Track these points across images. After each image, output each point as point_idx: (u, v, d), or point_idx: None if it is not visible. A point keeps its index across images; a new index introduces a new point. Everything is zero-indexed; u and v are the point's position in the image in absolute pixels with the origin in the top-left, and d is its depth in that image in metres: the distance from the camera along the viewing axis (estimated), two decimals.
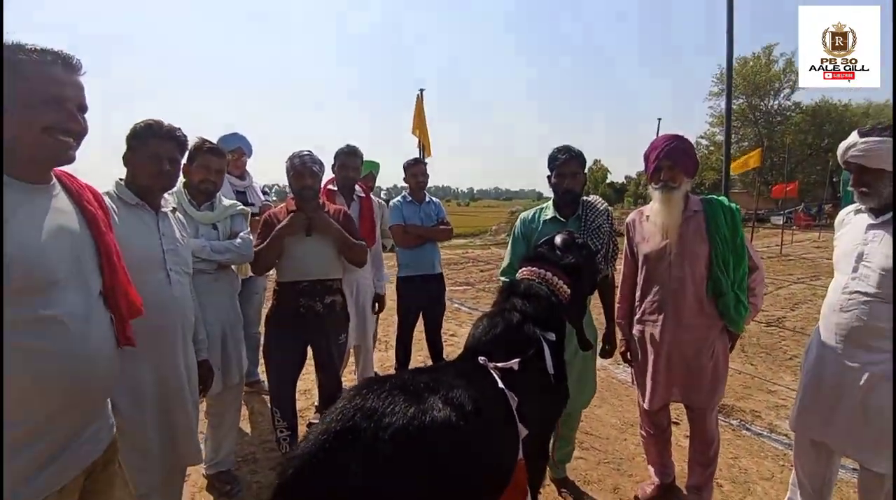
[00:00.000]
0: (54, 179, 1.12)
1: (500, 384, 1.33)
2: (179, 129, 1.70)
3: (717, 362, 2.05)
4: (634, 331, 2.23)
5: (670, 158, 1.98)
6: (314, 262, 2.40)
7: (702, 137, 35.96)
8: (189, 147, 2.19)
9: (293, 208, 2.41)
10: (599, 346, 2.37)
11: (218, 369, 2.15)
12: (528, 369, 1.47)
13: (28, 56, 0.99)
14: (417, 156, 7.00)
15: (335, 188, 2.88)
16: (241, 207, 2.39)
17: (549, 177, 2.25)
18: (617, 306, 2.35)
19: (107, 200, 1.54)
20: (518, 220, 2.37)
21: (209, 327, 2.10)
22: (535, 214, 2.32)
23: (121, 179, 1.66)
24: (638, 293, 2.21)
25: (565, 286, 1.74)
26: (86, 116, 1.09)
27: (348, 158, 2.85)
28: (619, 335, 2.34)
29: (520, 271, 1.81)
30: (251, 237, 2.30)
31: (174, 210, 1.80)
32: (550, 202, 2.29)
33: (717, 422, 2.19)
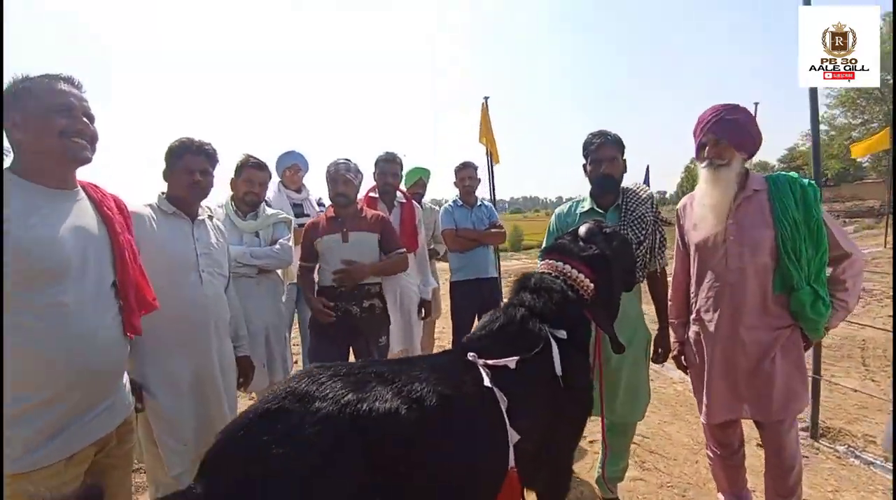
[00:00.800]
0: (79, 188, 1.28)
1: (487, 382, 1.23)
2: (209, 143, 1.85)
3: (790, 368, 1.72)
4: (690, 332, 1.97)
5: (716, 132, 1.73)
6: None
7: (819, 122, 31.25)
8: (237, 163, 2.41)
9: (332, 215, 2.51)
10: (652, 349, 2.13)
11: (263, 366, 2.29)
12: (531, 370, 1.35)
13: (34, 81, 1.17)
14: (487, 164, 6.98)
15: (376, 195, 2.96)
16: (284, 215, 2.54)
17: (584, 166, 2.09)
18: (669, 303, 2.09)
19: (148, 210, 1.74)
20: (553, 215, 2.23)
21: (252, 327, 2.25)
22: (570, 207, 2.17)
23: (163, 193, 1.85)
24: (692, 288, 1.95)
25: (587, 280, 1.59)
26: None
27: (387, 164, 2.92)
28: (672, 338, 2.08)
29: (539, 264, 1.69)
30: (290, 244, 2.44)
31: (210, 217, 1.96)
32: (588, 194, 2.12)
33: (798, 442, 1.83)
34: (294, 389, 0.98)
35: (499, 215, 3.75)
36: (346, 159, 2.52)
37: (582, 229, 1.72)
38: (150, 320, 1.68)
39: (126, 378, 1.40)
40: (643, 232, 1.96)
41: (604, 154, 2.00)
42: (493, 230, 3.40)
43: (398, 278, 2.82)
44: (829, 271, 1.72)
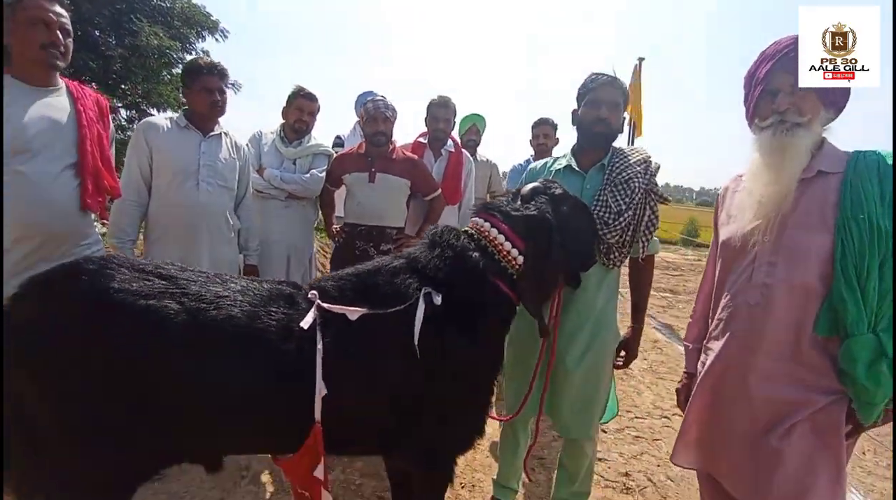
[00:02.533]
0: (62, 86, 1.56)
1: (307, 323, 1.10)
2: (220, 63, 2.03)
3: (815, 453, 1.11)
4: (699, 364, 1.44)
5: (795, 71, 1.14)
6: (372, 207, 2.46)
7: None
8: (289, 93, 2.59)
9: (362, 152, 2.52)
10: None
11: None
12: (381, 329, 1.17)
13: None
14: (627, 136, 6.10)
15: (425, 141, 2.84)
16: (325, 148, 2.64)
17: (574, 111, 1.64)
18: (689, 321, 1.55)
19: (166, 122, 2.02)
20: (525, 172, 1.83)
21: (274, 246, 2.47)
22: (545, 163, 1.76)
23: (185, 108, 2.10)
24: (713, 304, 1.40)
25: (511, 246, 1.28)
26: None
27: (438, 109, 2.73)
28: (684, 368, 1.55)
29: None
30: (322, 176, 2.54)
31: (226, 134, 2.15)
32: (570, 150, 1.68)
33: None
34: (73, 264, 1.05)
35: None
36: (383, 97, 2.47)
37: (526, 188, 1.37)
38: (154, 213, 2.00)
39: (98, 247, 1.67)
40: (626, 200, 1.49)
41: (606, 95, 1.54)
42: None
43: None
44: None
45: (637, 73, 5.85)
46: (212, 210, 2.05)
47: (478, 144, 3.31)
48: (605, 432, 2.70)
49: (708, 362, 1.30)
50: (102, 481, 1.05)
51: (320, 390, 1.09)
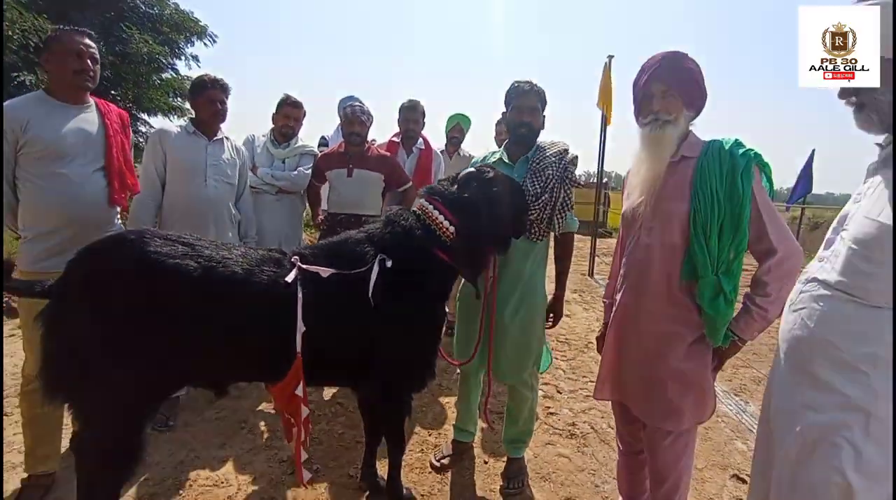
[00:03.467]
0: (92, 103, 1.90)
1: (290, 278, 1.46)
2: (222, 79, 2.39)
3: (687, 371, 1.48)
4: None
5: (665, 81, 1.46)
6: (351, 197, 2.83)
7: None
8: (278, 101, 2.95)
9: (342, 151, 2.89)
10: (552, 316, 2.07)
11: None
12: (345, 285, 1.53)
13: (62, 31, 1.80)
14: (600, 125, 6.51)
15: (398, 140, 3.22)
16: (310, 148, 3.00)
17: (503, 114, 2.02)
18: (608, 281, 1.93)
19: (176, 128, 2.38)
20: (469, 163, 2.21)
21: (267, 236, 2.82)
22: (485, 156, 2.15)
23: (191, 117, 2.47)
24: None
25: (445, 222, 1.66)
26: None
27: (409, 111, 3.13)
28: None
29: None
30: (308, 173, 2.89)
31: (227, 138, 2.52)
32: (503, 146, 2.06)
33: (681, 458, 1.56)
34: (118, 235, 1.41)
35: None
36: (360, 103, 2.84)
37: (461, 174, 1.74)
38: (168, 205, 2.36)
39: (119, 229, 2.00)
40: (542, 184, 1.85)
41: (526, 102, 1.91)
42: None
43: None
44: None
45: (607, 70, 6.28)
46: (217, 203, 2.41)
47: (461, 142, 3.71)
48: (560, 392, 3.10)
49: (614, 311, 1.67)
50: (137, 393, 1.38)
51: (300, 328, 1.44)
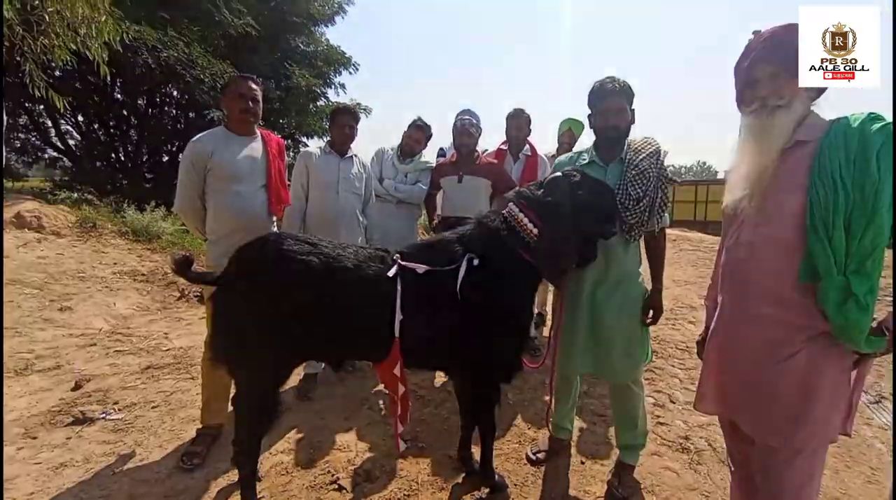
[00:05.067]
0: (258, 134, 2.42)
1: (391, 273, 1.70)
2: (355, 107, 2.84)
3: (807, 382, 1.29)
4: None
5: (772, 61, 1.29)
6: (461, 201, 3.07)
7: None
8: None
9: (454, 160, 3.14)
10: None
11: None
12: (438, 280, 1.72)
13: (233, 77, 2.32)
14: None
15: (506, 148, 3.35)
16: (430, 164, 3.32)
17: (589, 116, 1.98)
18: (710, 283, 1.81)
19: (317, 150, 2.88)
20: (553, 165, 2.20)
21: (386, 238, 3.20)
22: (571, 158, 2.08)
23: (329, 140, 2.95)
24: None
25: (529, 224, 1.75)
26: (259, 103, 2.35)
27: (513, 120, 3.24)
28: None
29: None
30: (424, 188, 3.22)
31: (356, 156, 2.96)
32: (592, 145, 2.01)
33: (803, 484, 1.35)
34: (264, 237, 1.78)
35: None
36: (469, 116, 3.05)
37: (548, 177, 1.81)
38: (309, 214, 2.86)
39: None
40: (643, 188, 1.79)
41: (610, 105, 1.86)
42: None
43: None
44: None
45: None
46: (347, 211, 2.86)
47: (572, 146, 3.70)
48: (674, 402, 2.90)
49: (715, 315, 1.54)
50: (279, 362, 1.76)
51: (398, 316, 1.68)
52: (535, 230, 1.75)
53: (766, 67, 1.33)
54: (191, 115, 9.39)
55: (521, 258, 1.76)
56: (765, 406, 1.37)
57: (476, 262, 1.73)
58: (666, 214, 1.91)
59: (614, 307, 1.94)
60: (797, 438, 1.32)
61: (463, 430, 2.14)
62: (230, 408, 2.05)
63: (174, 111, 9.86)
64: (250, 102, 2.31)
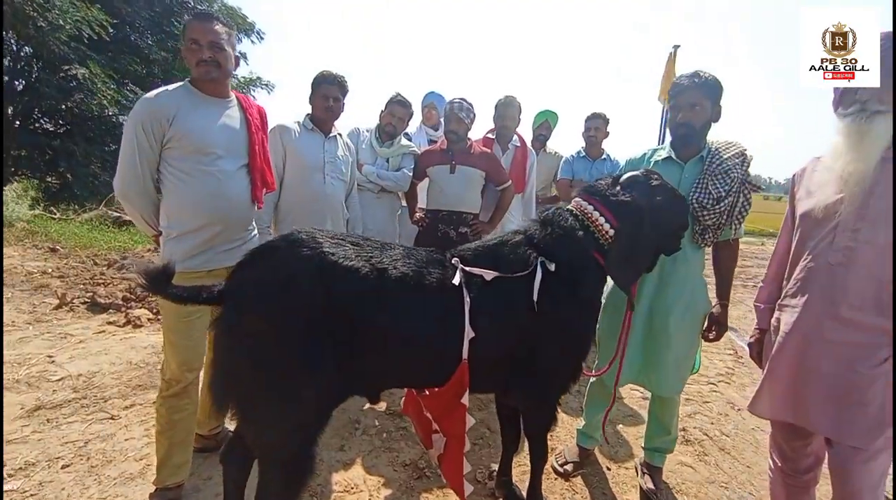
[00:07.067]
0: (233, 97, 1.83)
1: (456, 281, 1.38)
2: (342, 76, 2.34)
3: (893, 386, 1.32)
4: (773, 320, 1.65)
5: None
6: (453, 193, 2.75)
7: None
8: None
9: (444, 148, 2.82)
10: (707, 325, 1.93)
11: None
12: (509, 288, 1.46)
13: (188, 21, 1.73)
14: (661, 120, 6.29)
15: (493, 137, 3.13)
16: (413, 149, 2.93)
17: (667, 110, 1.90)
18: (759, 287, 1.80)
19: (296, 125, 2.34)
20: (624, 162, 2.09)
21: (367, 231, 2.77)
22: (644, 154, 1.99)
23: (309, 114, 2.42)
24: (787, 270, 1.60)
25: (606, 224, 1.56)
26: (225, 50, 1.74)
27: (504, 108, 3.03)
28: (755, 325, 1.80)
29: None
30: (409, 175, 2.84)
31: (340, 135, 2.48)
32: (668, 143, 1.93)
33: (881, 483, 1.41)
34: (290, 235, 1.35)
35: None
36: (462, 100, 2.75)
37: (626, 175, 1.64)
38: (288, 202, 2.33)
39: (255, 232, 1.97)
40: (726, 188, 1.71)
41: (685, 99, 1.77)
42: None
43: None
44: None
45: (672, 60, 6.09)
46: (333, 200, 2.39)
47: (548, 139, 3.62)
48: None
49: (792, 319, 1.50)
50: (318, 403, 1.34)
51: (468, 333, 1.37)
52: (612, 232, 1.56)
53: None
54: (43, 70, 7.44)
55: (596, 261, 1.57)
56: (853, 410, 1.37)
57: (552, 267, 1.48)
58: (742, 226, 1.84)
59: (677, 316, 1.85)
60: (883, 439, 1.35)
61: (505, 452, 1.90)
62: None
63: (20, 65, 7.70)
64: (206, 50, 1.70)
